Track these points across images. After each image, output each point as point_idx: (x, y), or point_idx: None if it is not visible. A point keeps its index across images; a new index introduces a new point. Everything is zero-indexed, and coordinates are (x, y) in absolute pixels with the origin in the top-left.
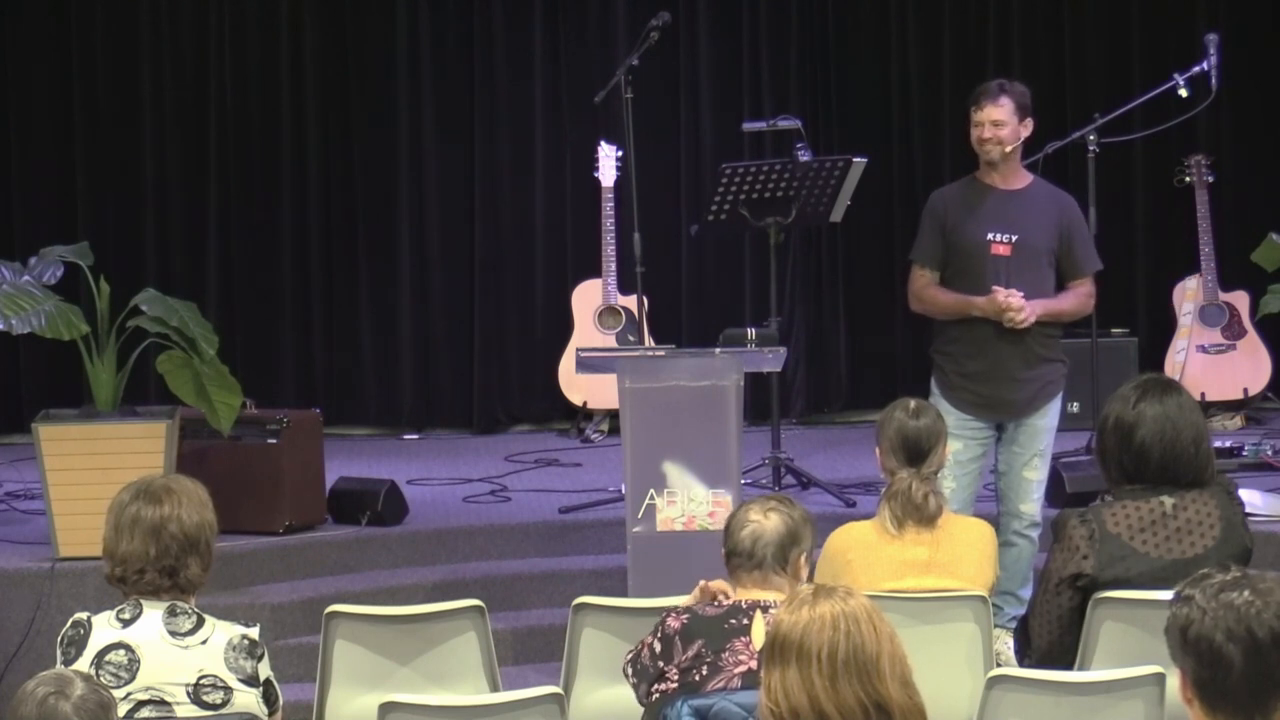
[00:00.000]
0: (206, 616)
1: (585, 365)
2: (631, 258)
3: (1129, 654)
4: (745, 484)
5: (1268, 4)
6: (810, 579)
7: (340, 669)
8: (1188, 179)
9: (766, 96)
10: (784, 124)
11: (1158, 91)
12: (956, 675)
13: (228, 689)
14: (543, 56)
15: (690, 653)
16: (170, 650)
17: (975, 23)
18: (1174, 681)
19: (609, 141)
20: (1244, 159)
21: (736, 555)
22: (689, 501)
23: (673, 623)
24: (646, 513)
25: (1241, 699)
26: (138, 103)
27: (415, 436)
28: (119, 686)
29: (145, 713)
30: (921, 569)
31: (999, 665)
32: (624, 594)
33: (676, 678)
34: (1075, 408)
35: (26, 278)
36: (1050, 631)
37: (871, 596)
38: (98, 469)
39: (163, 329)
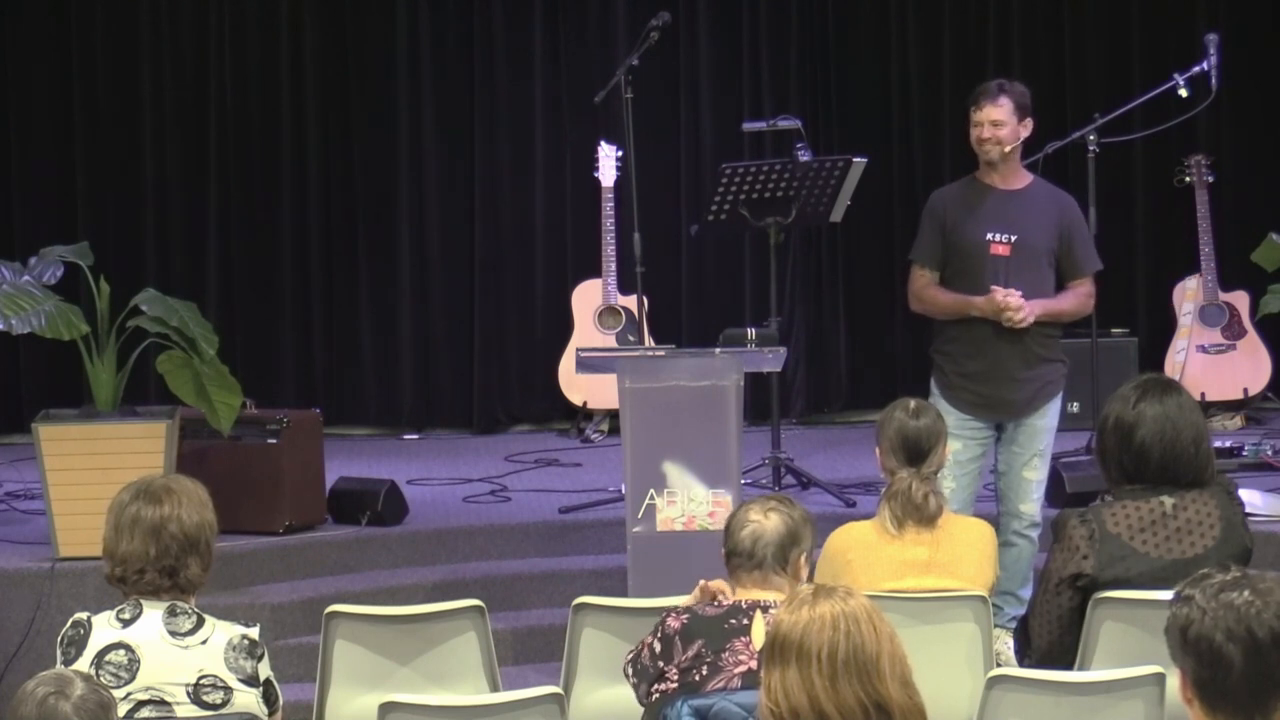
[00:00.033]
0: (206, 616)
1: (585, 365)
2: (631, 258)
3: (1129, 654)
4: (745, 484)
5: (1268, 4)
6: (810, 579)
7: (340, 669)
8: (1188, 179)
9: (766, 96)
10: (784, 124)
11: (1158, 91)
12: (956, 675)
13: (228, 689)
14: (543, 56)
15: (690, 653)
16: (170, 650)
17: (975, 23)
18: (1174, 681)
19: (609, 141)
20: (1244, 159)
21: (736, 555)
22: (689, 501)
23: (673, 623)
24: (646, 513)
25: (1241, 699)
26: (138, 103)
27: (415, 436)
28: (119, 686)
29: (145, 713)
30: (921, 569)
31: (999, 665)
32: (624, 594)
33: (676, 678)
34: (1075, 408)
35: (26, 278)
36: (1050, 631)
37: (871, 596)
38: (98, 469)
39: (163, 329)
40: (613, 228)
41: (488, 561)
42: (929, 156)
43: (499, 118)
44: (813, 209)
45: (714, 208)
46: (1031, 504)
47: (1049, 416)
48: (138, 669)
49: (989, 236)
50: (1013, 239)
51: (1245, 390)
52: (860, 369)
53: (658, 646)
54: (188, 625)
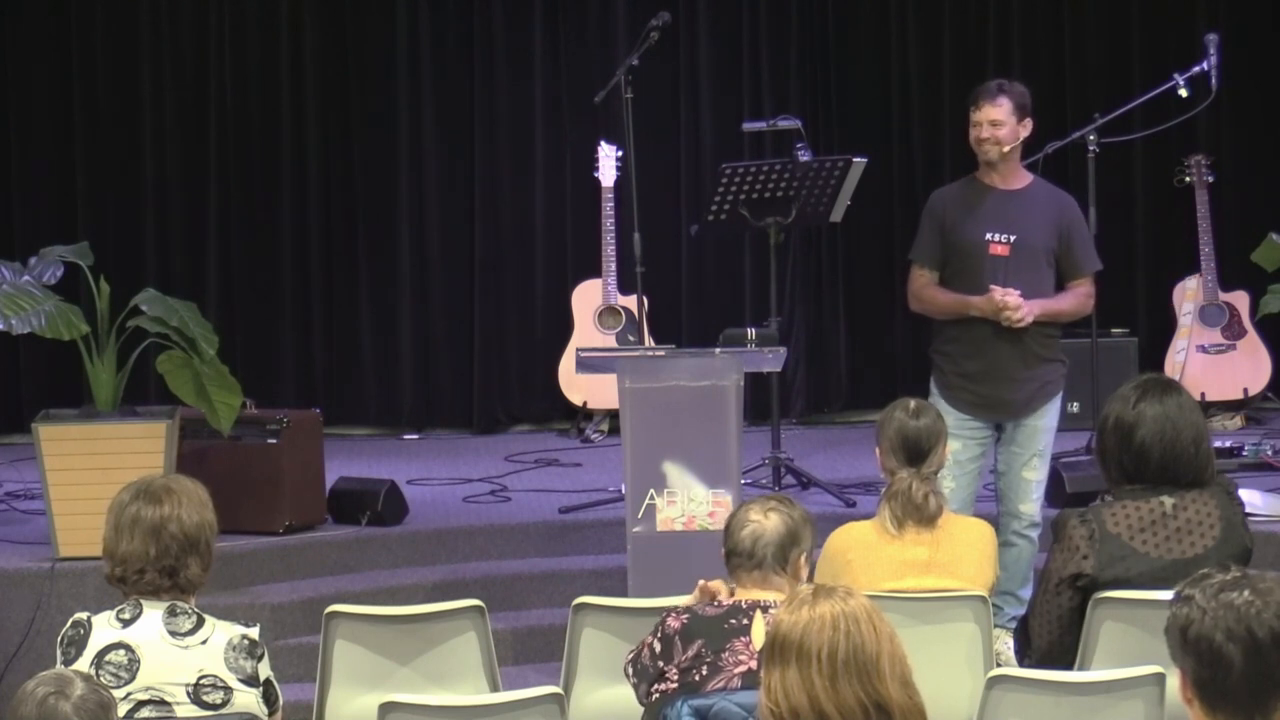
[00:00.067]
0: (206, 616)
1: (585, 365)
2: (631, 258)
3: (1129, 654)
4: (745, 484)
5: (1268, 4)
6: (810, 579)
7: (340, 669)
8: (1188, 179)
9: (766, 96)
10: (784, 124)
11: (1158, 91)
12: (956, 675)
13: (228, 689)
14: (543, 56)
15: (690, 653)
16: (170, 650)
17: (975, 23)
18: (1174, 681)
19: (609, 141)
20: (1244, 159)
21: (736, 555)
22: (689, 501)
23: (673, 623)
24: (646, 513)
25: (1241, 699)
26: (138, 103)
27: (415, 436)
28: (119, 686)
29: (145, 713)
30: (921, 569)
31: (999, 665)
32: (624, 594)
33: (676, 678)
34: (1075, 408)
35: (26, 278)
36: (1050, 631)
37: (871, 596)
38: (98, 469)
39: (163, 329)
40: (613, 228)
41: (488, 561)
42: (929, 156)
43: (499, 118)
44: (813, 209)
45: (714, 208)
46: (1031, 504)
47: (1048, 417)
48: (138, 669)
49: (988, 236)
50: (1012, 239)
51: (1245, 390)
52: (860, 369)
53: (658, 646)
54: (188, 625)
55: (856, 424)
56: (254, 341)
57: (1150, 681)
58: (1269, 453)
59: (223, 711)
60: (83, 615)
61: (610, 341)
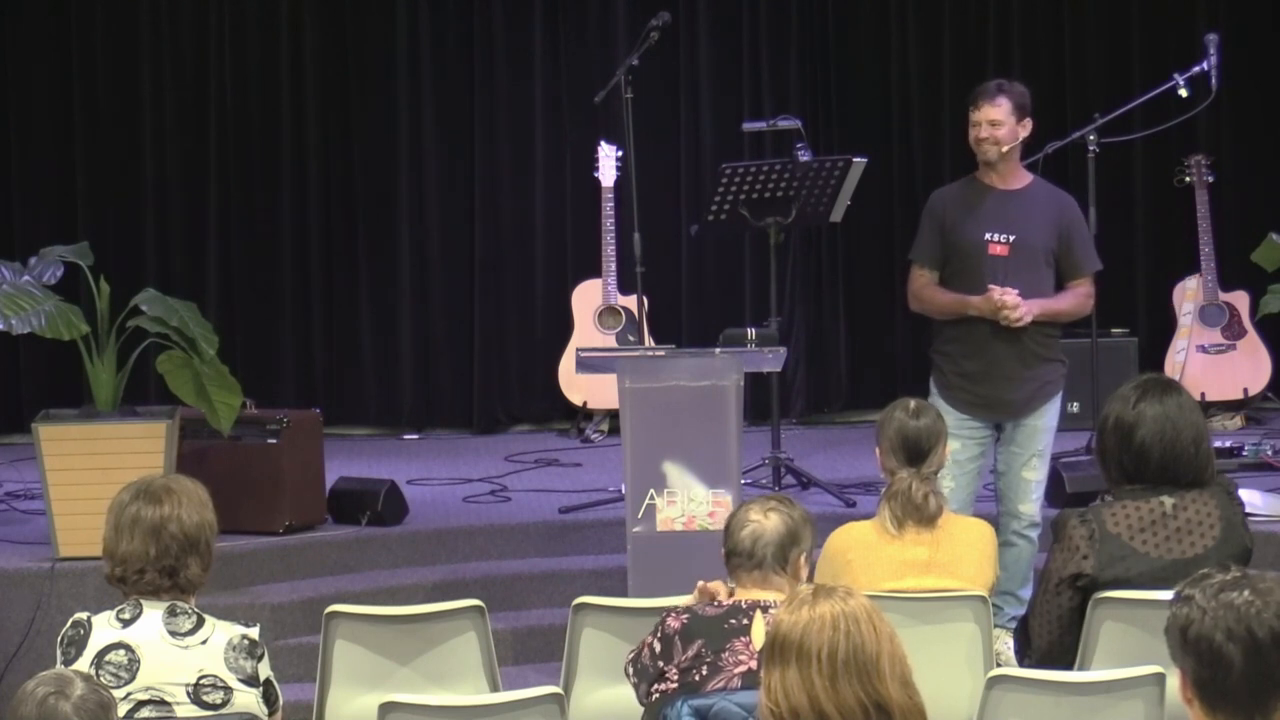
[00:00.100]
0: (206, 616)
1: (585, 365)
2: (631, 258)
3: (1129, 654)
4: (745, 484)
5: (1268, 4)
6: (810, 579)
7: (340, 669)
8: (1188, 179)
9: (766, 96)
10: (784, 124)
11: (1158, 91)
12: (956, 675)
13: (228, 689)
14: (543, 56)
15: (690, 653)
16: (170, 650)
17: (975, 23)
18: (1174, 681)
19: (609, 141)
20: (1244, 159)
21: (736, 555)
22: (689, 501)
23: (673, 623)
24: (646, 513)
25: (1241, 699)
26: (138, 103)
27: (415, 436)
28: (119, 686)
29: (145, 713)
30: (921, 569)
31: (999, 665)
32: (624, 594)
33: (676, 678)
34: (1075, 408)
35: (26, 278)
36: (1050, 631)
37: (871, 596)
38: (98, 469)
39: (163, 329)
40: (613, 228)
41: (488, 561)
42: (929, 156)
43: (499, 118)
44: (813, 209)
45: (714, 208)
46: (1030, 504)
47: (1047, 417)
48: (138, 669)
49: (987, 236)
50: (1011, 239)
51: (1245, 390)
52: (860, 369)
53: (658, 646)
54: (188, 625)
55: (856, 424)
56: (254, 341)
57: (1150, 681)
58: (1269, 453)
59: (223, 711)
60: (83, 615)
61: (610, 341)
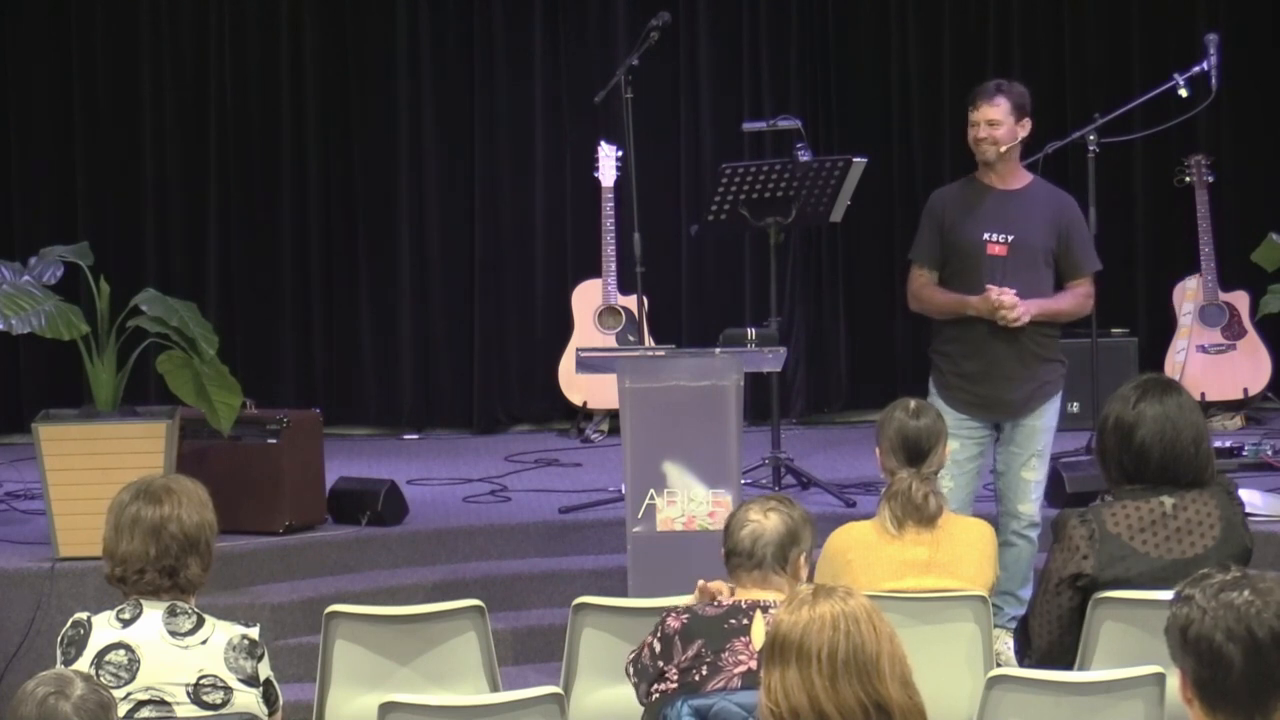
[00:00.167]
0: (206, 616)
1: (585, 365)
2: (631, 258)
3: (1129, 654)
4: (745, 484)
5: (1268, 4)
6: (810, 579)
7: (340, 669)
8: (1188, 179)
9: (766, 96)
10: (784, 124)
11: (1158, 91)
12: (956, 675)
13: (228, 689)
14: (543, 56)
15: (690, 653)
16: (170, 650)
17: (975, 23)
18: (1174, 681)
19: (609, 141)
20: (1244, 159)
21: (736, 555)
22: (689, 501)
23: (673, 623)
24: (646, 513)
25: (1241, 699)
26: (138, 103)
27: (415, 436)
28: (119, 686)
29: (145, 713)
30: (921, 569)
31: (999, 665)
32: (624, 594)
33: (676, 678)
34: (1075, 408)
35: (26, 278)
36: (1050, 631)
37: (871, 596)
38: (98, 469)
39: (163, 329)
40: (613, 228)
41: (488, 561)
42: (929, 156)
43: (499, 118)
44: (813, 209)
45: (714, 208)
46: (1030, 504)
47: (1047, 417)
48: (138, 669)
49: (986, 236)
50: (1010, 239)
51: (1245, 390)
52: (860, 369)
53: (658, 646)
54: (188, 625)
55: (856, 424)
56: (254, 341)
57: (1150, 681)
58: (1269, 453)
59: (223, 711)
60: (83, 615)
61: (610, 341)
